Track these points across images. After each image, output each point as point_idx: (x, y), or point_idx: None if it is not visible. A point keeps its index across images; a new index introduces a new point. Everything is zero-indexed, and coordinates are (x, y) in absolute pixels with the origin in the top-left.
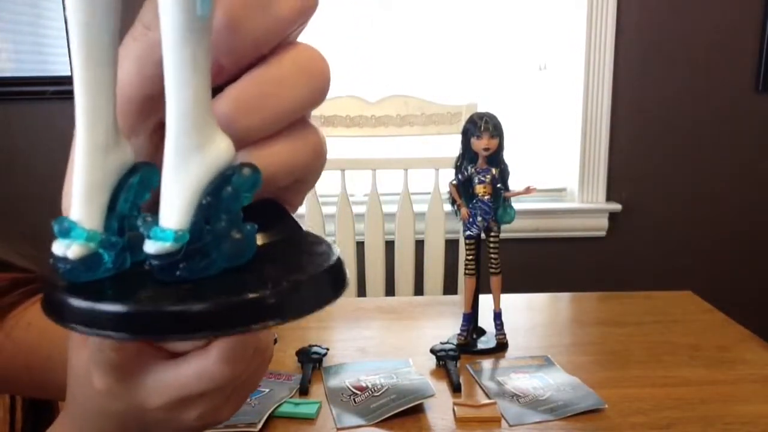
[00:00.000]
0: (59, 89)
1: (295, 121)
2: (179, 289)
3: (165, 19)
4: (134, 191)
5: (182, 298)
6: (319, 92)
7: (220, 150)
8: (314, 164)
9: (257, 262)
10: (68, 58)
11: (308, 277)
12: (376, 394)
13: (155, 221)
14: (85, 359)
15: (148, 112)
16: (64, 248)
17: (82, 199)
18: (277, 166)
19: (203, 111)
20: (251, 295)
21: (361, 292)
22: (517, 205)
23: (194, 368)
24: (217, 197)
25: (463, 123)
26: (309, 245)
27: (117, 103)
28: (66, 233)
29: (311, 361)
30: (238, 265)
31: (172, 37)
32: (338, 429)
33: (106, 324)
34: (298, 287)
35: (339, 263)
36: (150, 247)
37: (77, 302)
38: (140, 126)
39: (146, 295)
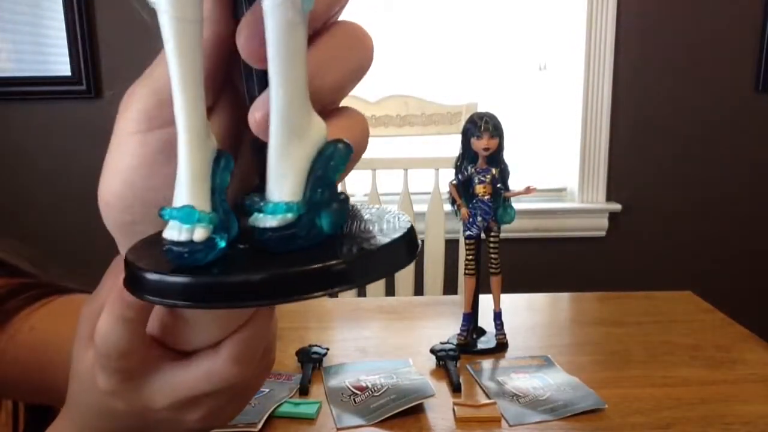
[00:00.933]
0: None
1: (344, 106)
2: (287, 258)
3: (273, 15)
4: (221, 175)
5: (294, 264)
6: (368, 62)
7: (320, 128)
8: (364, 143)
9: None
10: (68, 58)
11: (392, 239)
12: (376, 394)
13: (263, 198)
14: (90, 359)
15: None
16: (187, 233)
17: (190, 186)
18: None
19: (305, 94)
20: (351, 256)
21: (361, 292)
22: (517, 205)
23: (204, 369)
24: (325, 170)
25: (463, 123)
26: (377, 215)
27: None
28: (190, 218)
29: (311, 361)
30: (337, 232)
31: (280, 31)
32: (338, 429)
33: (234, 296)
34: (390, 246)
35: (412, 229)
36: (268, 221)
37: (204, 280)
38: None
39: (257, 266)
